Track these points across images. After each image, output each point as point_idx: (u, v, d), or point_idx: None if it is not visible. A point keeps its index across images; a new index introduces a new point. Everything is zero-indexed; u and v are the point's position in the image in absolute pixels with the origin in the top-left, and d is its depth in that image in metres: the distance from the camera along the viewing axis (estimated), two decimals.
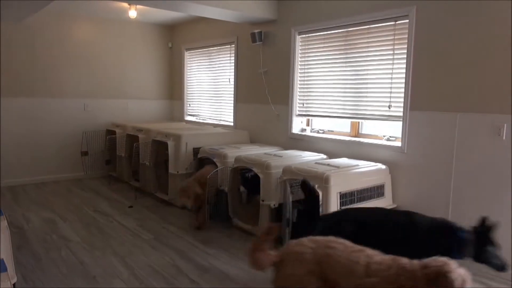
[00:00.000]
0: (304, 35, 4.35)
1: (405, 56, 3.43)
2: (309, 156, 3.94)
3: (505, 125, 2.84)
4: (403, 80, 3.45)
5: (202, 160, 4.37)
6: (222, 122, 5.73)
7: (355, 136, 4.08)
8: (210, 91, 5.93)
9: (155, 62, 6.57)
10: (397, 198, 3.54)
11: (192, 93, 6.36)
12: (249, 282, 2.77)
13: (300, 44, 4.41)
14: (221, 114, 5.77)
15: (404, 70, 3.44)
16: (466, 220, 3.09)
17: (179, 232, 3.74)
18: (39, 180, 5.59)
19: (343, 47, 3.97)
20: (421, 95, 3.33)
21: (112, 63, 6.12)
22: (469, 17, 3.00)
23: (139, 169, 5.07)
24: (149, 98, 6.58)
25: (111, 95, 6.16)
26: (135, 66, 6.35)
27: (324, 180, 3.03)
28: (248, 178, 3.78)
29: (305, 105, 4.43)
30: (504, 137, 2.86)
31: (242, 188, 3.87)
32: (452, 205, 3.18)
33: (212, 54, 5.82)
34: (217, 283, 2.74)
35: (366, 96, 3.80)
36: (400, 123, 3.50)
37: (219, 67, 5.72)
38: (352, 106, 3.94)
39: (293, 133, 4.52)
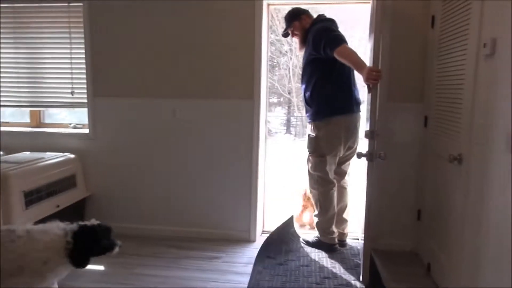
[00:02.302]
0: None
1: (83, 40, 3.36)
2: None
3: (177, 109, 3.29)
4: (85, 66, 3.39)
5: None
6: None
7: (37, 126, 3.70)
8: None
9: None
10: (91, 186, 3.49)
11: None
12: None
13: None
14: None
15: (84, 56, 3.37)
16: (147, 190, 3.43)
17: None
18: None
19: (11, 26, 3.46)
20: (104, 82, 3.37)
21: None
22: (142, 8, 3.25)
23: None
24: None
25: None
26: None
27: (3, 180, 2.62)
28: None
29: None
30: (177, 116, 3.29)
31: None
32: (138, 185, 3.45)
33: None
34: None
35: (46, 82, 3.50)
36: (86, 110, 3.44)
37: None
38: (29, 93, 3.53)
39: None
